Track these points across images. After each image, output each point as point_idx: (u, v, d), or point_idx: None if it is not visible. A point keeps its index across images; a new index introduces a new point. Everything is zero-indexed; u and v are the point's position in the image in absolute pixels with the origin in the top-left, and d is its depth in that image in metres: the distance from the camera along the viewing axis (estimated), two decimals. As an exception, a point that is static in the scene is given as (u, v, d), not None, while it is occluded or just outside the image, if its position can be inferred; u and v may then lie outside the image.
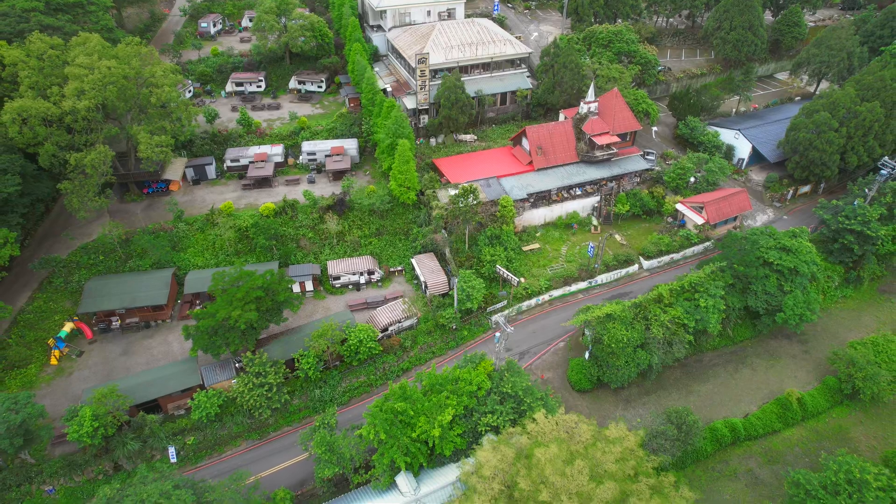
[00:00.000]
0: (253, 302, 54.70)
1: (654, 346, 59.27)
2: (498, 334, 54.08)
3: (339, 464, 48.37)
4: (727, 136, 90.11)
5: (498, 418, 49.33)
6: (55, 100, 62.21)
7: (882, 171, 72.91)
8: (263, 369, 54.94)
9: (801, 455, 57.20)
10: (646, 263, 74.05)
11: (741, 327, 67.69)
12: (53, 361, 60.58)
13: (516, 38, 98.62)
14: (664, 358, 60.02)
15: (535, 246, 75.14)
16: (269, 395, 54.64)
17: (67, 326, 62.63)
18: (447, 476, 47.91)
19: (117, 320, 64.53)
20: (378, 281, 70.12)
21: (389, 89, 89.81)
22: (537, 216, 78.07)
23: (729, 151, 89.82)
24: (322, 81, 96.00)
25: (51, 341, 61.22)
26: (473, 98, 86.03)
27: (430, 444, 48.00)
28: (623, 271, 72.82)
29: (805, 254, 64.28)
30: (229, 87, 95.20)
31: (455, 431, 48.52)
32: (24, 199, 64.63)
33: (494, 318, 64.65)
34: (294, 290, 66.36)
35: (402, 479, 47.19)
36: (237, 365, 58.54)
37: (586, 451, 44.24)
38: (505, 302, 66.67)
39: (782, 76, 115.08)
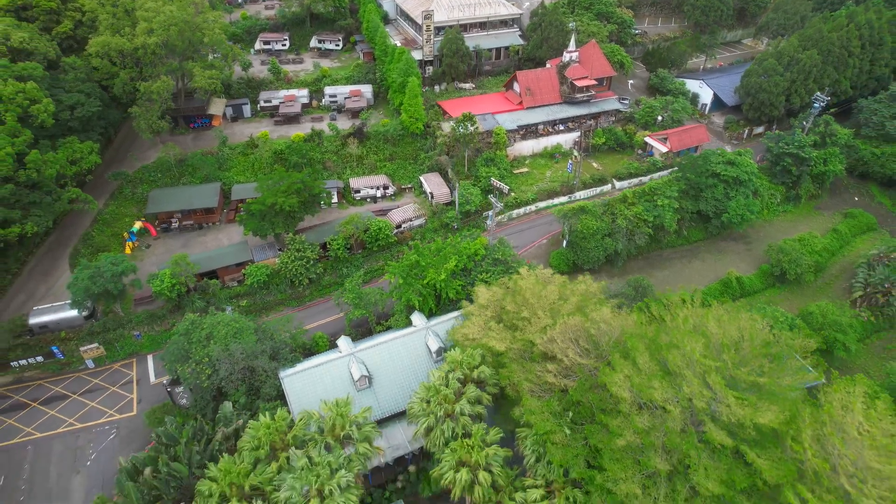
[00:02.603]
0: (294, 193, 68.08)
1: (618, 236, 72.83)
2: (490, 213, 67.34)
3: (366, 308, 61.71)
4: (693, 85, 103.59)
5: (491, 276, 62.63)
6: (128, 38, 75.65)
7: (815, 105, 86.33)
8: (302, 246, 68.37)
9: (737, 319, 70.51)
10: (618, 184, 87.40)
11: (695, 230, 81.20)
12: (127, 251, 74.03)
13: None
14: (627, 245, 73.54)
15: (525, 170, 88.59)
16: (307, 266, 68.10)
17: (137, 224, 76.10)
18: (451, 315, 61.25)
19: (176, 222, 77.93)
20: (392, 195, 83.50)
21: (398, 45, 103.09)
22: (526, 147, 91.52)
23: (694, 98, 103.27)
24: (339, 40, 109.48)
25: (125, 234, 74.71)
26: (472, 51, 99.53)
27: (437, 290, 61.44)
28: (598, 189, 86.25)
29: (746, 166, 77.78)
30: (258, 45, 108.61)
31: (457, 282, 61.88)
32: (101, 122, 78.08)
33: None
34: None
35: (416, 317, 60.50)
36: (279, 252, 71.89)
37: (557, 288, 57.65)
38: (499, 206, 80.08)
39: (748, 41, 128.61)
